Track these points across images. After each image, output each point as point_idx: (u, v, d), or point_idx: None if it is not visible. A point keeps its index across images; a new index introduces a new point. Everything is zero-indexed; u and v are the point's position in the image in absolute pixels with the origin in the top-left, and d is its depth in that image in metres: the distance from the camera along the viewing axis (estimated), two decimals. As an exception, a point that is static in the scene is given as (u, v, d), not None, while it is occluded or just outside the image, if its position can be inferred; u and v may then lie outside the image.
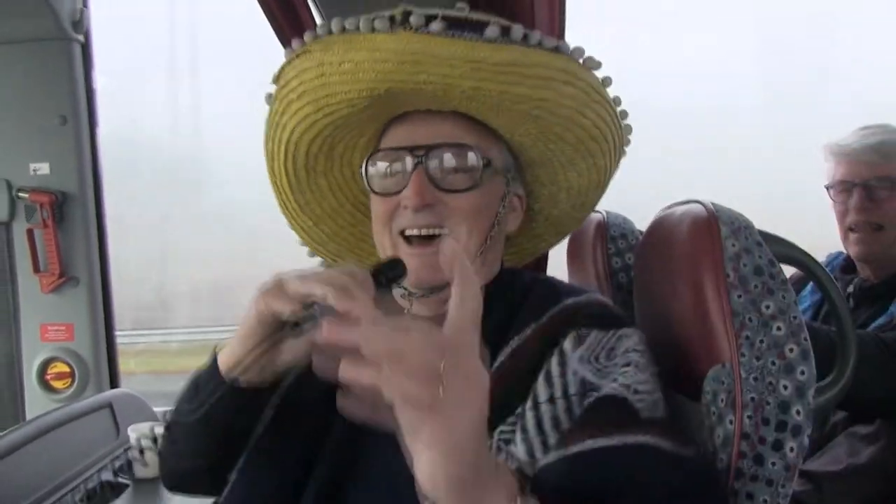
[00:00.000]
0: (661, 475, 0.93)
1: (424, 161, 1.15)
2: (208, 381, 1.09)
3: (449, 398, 0.71)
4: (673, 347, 1.16)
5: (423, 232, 1.15)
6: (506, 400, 1.04)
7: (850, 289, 2.00)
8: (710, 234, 1.10)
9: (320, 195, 1.35)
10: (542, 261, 1.81)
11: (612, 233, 1.57)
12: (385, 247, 1.20)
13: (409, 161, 1.16)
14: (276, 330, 1.02)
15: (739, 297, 1.07)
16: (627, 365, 1.05)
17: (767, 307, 1.07)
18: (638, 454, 0.94)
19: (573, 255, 1.71)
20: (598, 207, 1.41)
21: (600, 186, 1.33)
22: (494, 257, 1.24)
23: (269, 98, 1.24)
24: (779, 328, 1.07)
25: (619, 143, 1.27)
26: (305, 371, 1.02)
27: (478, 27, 1.09)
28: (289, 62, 1.18)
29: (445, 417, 0.71)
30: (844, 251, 2.10)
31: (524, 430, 1.02)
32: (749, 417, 1.06)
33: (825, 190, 2.07)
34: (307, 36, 1.14)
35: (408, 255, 1.16)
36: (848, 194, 1.99)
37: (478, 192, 1.16)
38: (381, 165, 1.19)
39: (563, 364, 1.06)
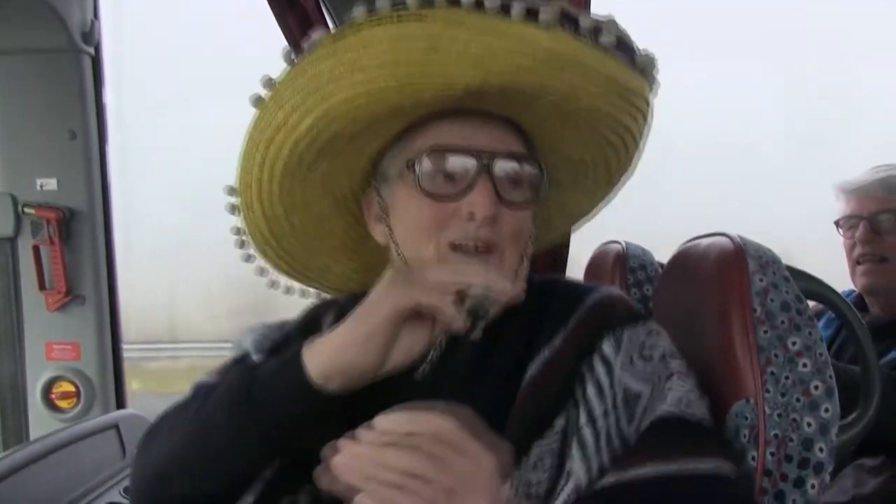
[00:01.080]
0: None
1: (491, 168, 1.04)
2: (282, 393, 0.98)
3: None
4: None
5: (481, 246, 1.05)
6: (541, 413, 1.02)
7: (862, 326, 2.02)
8: (737, 268, 1.09)
9: (304, 184, 1.12)
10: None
11: (632, 264, 1.57)
12: (424, 257, 1.06)
13: (472, 165, 1.03)
14: (399, 328, 0.97)
15: (766, 332, 1.06)
16: (671, 377, 1.02)
17: (794, 343, 1.07)
18: (701, 484, 0.92)
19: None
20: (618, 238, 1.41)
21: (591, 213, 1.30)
22: (523, 274, 1.13)
23: (311, 45, 0.99)
24: (805, 365, 1.06)
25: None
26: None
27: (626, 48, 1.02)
28: (378, 24, 0.96)
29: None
30: (855, 288, 2.13)
31: (582, 446, 0.98)
32: (772, 454, 1.05)
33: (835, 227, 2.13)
34: None
35: None
36: (855, 229, 2.05)
37: (531, 211, 1.08)
38: (436, 165, 1.04)
39: (610, 374, 1.02)
